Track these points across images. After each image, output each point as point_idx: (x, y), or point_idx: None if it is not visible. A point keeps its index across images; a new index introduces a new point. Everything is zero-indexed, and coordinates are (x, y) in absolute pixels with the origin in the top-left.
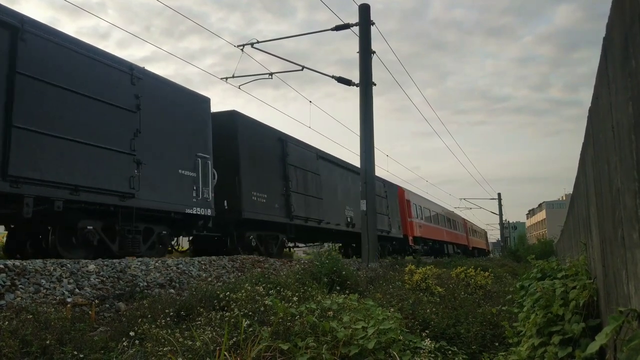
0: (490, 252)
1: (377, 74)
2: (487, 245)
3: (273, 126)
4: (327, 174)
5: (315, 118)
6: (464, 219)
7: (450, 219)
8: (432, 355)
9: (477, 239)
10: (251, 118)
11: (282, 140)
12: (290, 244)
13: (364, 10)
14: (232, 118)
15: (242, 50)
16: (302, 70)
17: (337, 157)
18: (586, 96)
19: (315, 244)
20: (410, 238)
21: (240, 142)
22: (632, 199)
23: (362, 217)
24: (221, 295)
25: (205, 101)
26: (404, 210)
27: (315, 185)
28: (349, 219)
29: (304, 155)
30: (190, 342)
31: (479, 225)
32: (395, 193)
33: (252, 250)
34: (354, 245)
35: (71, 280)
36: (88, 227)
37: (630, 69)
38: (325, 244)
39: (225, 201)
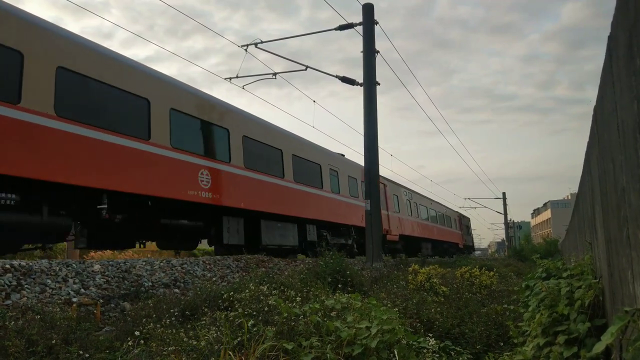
0: (464, 246)
1: (381, 73)
2: (462, 238)
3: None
4: None
5: (320, 117)
6: (385, 180)
7: (302, 161)
8: (437, 355)
9: (429, 223)
10: None
11: None
12: None
13: (368, 10)
14: None
15: (246, 50)
16: (305, 70)
17: None
18: (592, 94)
19: None
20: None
21: None
22: (637, 198)
23: (367, 216)
24: (225, 295)
25: None
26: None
27: None
28: None
29: None
30: (194, 342)
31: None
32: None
33: None
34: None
35: (76, 280)
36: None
37: (634, 67)
38: None
39: None
